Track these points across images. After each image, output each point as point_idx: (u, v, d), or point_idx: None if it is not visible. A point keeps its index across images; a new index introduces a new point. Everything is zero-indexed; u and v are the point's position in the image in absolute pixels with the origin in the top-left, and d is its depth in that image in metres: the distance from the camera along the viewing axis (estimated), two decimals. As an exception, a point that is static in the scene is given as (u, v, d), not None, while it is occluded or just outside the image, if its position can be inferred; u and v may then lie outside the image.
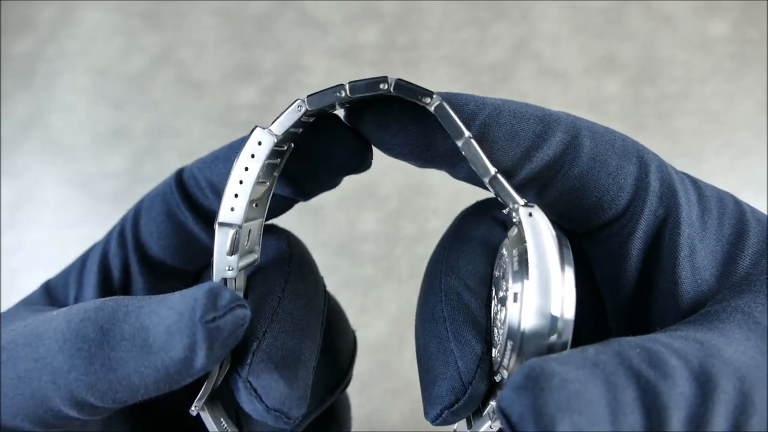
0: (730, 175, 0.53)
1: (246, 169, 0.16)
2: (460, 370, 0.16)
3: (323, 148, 0.18)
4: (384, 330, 0.48)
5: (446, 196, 0.53)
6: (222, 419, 0.18)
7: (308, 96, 0.16)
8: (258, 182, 0.17)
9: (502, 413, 0.12)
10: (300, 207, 0.59)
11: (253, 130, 0.16)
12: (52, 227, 0.56)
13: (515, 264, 0.15)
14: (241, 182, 0.16)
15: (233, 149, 0.18)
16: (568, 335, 0.14)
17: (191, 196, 0.19)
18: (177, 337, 0.14)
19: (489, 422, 0.15)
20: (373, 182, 0.54)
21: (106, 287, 0.19)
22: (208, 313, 0.15)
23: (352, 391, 0.46)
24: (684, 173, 0.17)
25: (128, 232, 0.19)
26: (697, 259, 0.16)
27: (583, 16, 0.61)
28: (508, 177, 0.16)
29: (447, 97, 0.16)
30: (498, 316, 0.16)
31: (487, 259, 0.18)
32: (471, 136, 0.15)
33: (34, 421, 0.15)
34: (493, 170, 0.15)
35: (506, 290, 0.15)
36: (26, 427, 0.15)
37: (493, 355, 0.16)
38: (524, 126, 0.16)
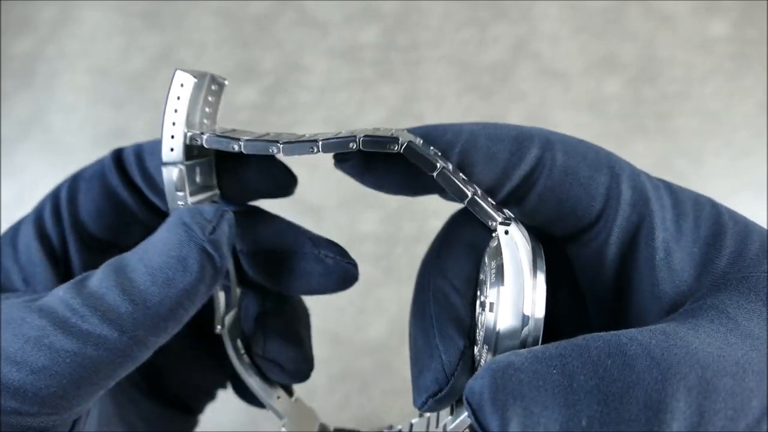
0: (730, 175, 0.53)
1: (175, 111, 0.18)
2: (444, 362, 0.17)
3: (254, 175, 0.20)
4: (384, 330, 0.48)
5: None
6: (238, 341, 0.21)
7: (284, 143, 0.17)
8: (196, 122, 0.18)
9: (466, 401, 0.14)
10: (300, 207, 0.58)
11: (173, 74, 0.18)
12: (52, 227, 0.56)
13: (492, 276, 0.16)
14: (174, 123, 0.18)
15: None
16: (539, 333, 0.15)
17: (130, 180, 0.20)
18: (191, 261, 0.16)
19: (468, 413, 0.16)
20: (373, 182, 0.54)
21: (53, 260, 0.20)
22: (206, 228, 0.17)
23: (352, 390, 0.46)
24: (660, 180, 0.18)
25: (64, 210, 0.20)
26: (673, 261, 0.16)
27: (583, 16, 0.61)
28: (492, 195, 0.17)
29: (425, 131, 0.17)
30: (480, 318, 0.17)
31: (473, 261, 0.19)
32: (443, 167, 0.16)
33: (96, 383, 0.16)
34: (469, 193, 0.16)
35: (486, 297, 0.16)
36: (88, 393, 0.16)
37: (474, 352, 0.17)
38: (500, 147, 0.17)
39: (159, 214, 0.21)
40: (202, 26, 0.66)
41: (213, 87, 0.18)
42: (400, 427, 0.20)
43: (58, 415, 0.15)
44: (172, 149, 0.18)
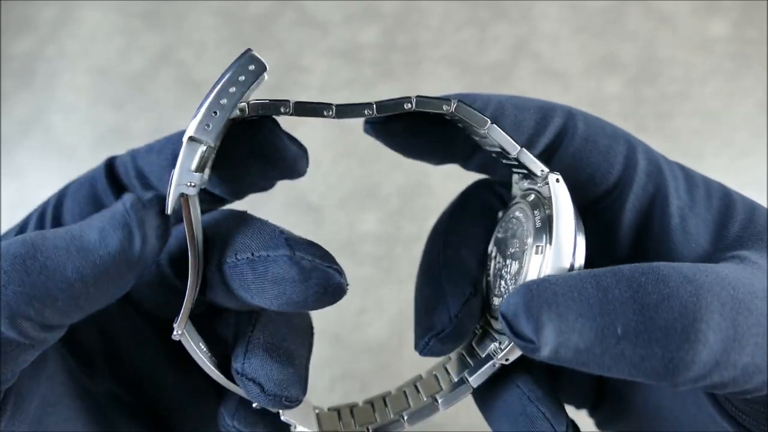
0: (730, 175, 0.53)
1: (231, 91, 0.16)
2: (449, 305, 0.18)
3: (266, 151, 0.18)
4: (384, 330, 0.48)
5: (446, 196, 0.53)
6: (201, 344, 0.18)
7: (337, 105, 0.17)
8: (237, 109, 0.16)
9: (502, 315, 0.14)
10: (300, 207, 0.58)
11: (245, 53, 0.16)
12: (52, 227, 0.56)
13: (537, 222, 0.17)
14: (222, 102, 0.16)
15: (170, 141, 0.18)
16: None
17: (119, 184, 0.19)
18: (111, 233, 0.15)
19: (492, 360, 0.17)
20: (373, 182, 0.54)
21: None
22: (137, 206, 0.16)
23: (352, 390, 0.46)
24: (672, 160, 0.19)
25: (49, 214, 0.19)
26: (689, 225, 0.17)
27: (583, 16, 0.61)
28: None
29: (457, 96, 0.18)
30: (505, 270, 0.18)
31: (485, 222, 0.20)
32: (492, 121, 0.17)
33: None
34: (518, 146, 0.17)
35: (522, 246, 0.17)
36: None
37: (496, 303, 0.18)
38: (526, 116, 0.18)
39: None
40: (202, 26, 0.66)
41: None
42: (405, 389, 0.20)
43: None
44: (208, 126, 0.16)
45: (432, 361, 0.20)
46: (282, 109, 0.17)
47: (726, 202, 0.18)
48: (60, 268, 0.15)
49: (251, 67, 0.16)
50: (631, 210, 0.18)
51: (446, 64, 0.60)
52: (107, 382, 0.20)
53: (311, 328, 0.21)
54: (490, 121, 0.17)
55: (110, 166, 0.20)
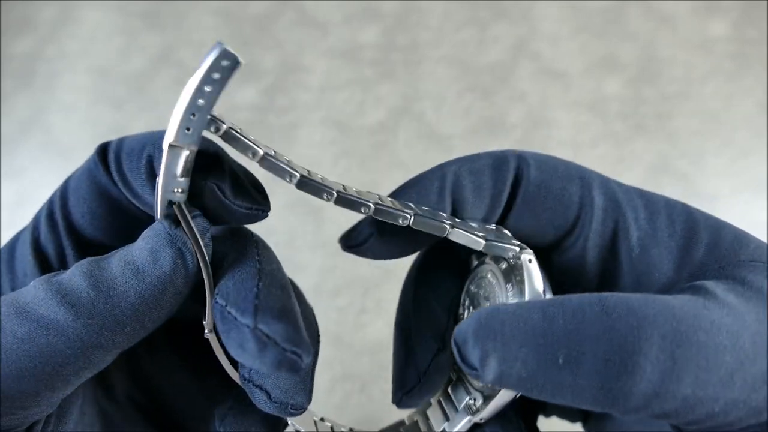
0: (730, 175, 0.53)
1: (207, 89, 0.15)
2: (417, 362, 0.19)
3: (212, 215, 0.18)
4: (384, 330, 0.48)
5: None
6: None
7: (301, 175, 0.17)
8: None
9: (453, 342, 0.15)
10: (300, 207, 0.58)
11: (216, 48, 0.15)
12: (52, 227, 0.56)
13: (510, 295, 0.17)
14: (200, 102, 0.15)
15: (146, 145, 0.18)
16: None
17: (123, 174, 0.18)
18: (162, 253, 0.16)
19: (468, 416, 0.18)
20: (372, 182, 0.54)
21: (46, 272, 0.18)
22: (178, 224, 0.16)
23: (352, 390, 0.46)
24: (632, 187, 0.19)
25: (58, 216, 0.18)
26: (651, 256, 0.17)
27: (583, 16, 0.61)
28: (486, 223, 0.19)
29: (414, 187, 0.19)
30: None
31: (456, 271, 0.20)
32: (452, 225, 0.17)
33: (41, 379, 0.15)
34: (482, 240, 0.17)
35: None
36: (31, 388, 0.15)
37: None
38: (483, 179, 0.18)
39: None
40: (202, 26, 0.66)
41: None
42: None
43: None
44: (188, 129, 0.15)
45: None
46: (250, 155, 0.16)
47: (690, 225, 0.18)
48: (123, 296, 0.15)
49: (225, 63, 0.15)
50: (593, 248, 0.18)
51: (446, 64, 0.60)
52: (124, 385, 0.20)
53: (317, 335, 0.21)
54: (449, 227, 0.17)
55: (105, 154, 0.18)
